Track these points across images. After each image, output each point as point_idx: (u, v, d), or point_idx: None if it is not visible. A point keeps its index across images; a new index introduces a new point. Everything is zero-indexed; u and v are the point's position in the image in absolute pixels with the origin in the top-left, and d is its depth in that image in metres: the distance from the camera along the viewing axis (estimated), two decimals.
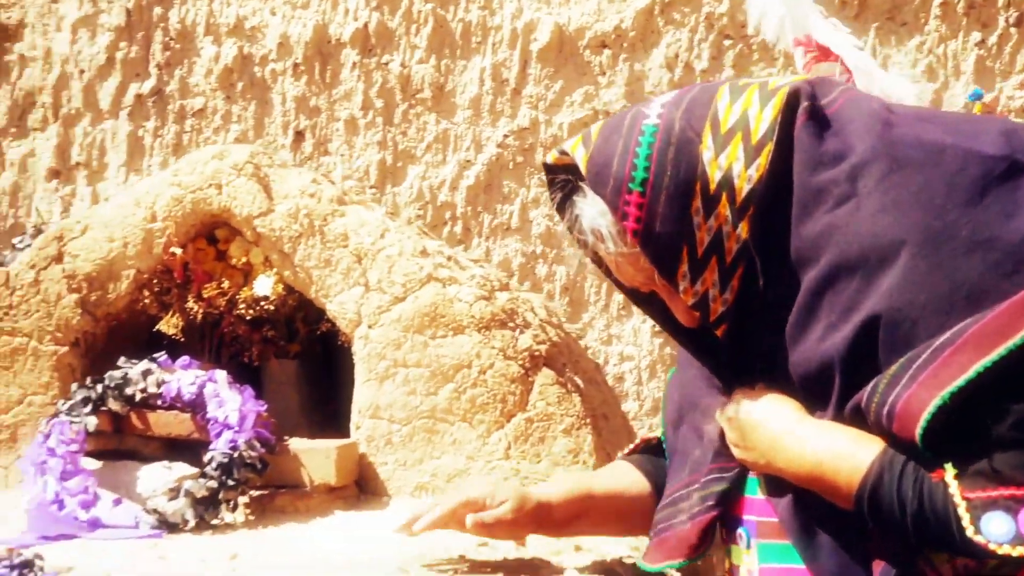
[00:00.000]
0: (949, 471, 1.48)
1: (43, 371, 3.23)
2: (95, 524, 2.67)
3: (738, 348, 1.77)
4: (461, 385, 3.02)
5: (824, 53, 2.85)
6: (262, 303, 3.18)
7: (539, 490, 2.16)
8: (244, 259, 3.23)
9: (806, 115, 1.67)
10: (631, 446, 2.27)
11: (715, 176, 1.67)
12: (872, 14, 3.94)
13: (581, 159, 1.75)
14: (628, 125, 1.73)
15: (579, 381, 3.13)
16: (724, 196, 1.67)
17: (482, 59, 4.22)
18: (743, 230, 1.67)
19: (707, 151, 1.67)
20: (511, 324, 3.07)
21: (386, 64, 4.28)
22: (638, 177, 1.68)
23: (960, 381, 1.44)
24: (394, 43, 4.27)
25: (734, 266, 1.69)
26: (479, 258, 3.92)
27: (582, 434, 2.96)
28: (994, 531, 1.43)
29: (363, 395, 3.10)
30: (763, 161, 1.66)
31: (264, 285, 3.17)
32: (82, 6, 4.48)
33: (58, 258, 3.26)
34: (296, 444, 2.96)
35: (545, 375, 3.01)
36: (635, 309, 3.15)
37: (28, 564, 2.00)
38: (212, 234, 3.30)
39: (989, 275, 1.49)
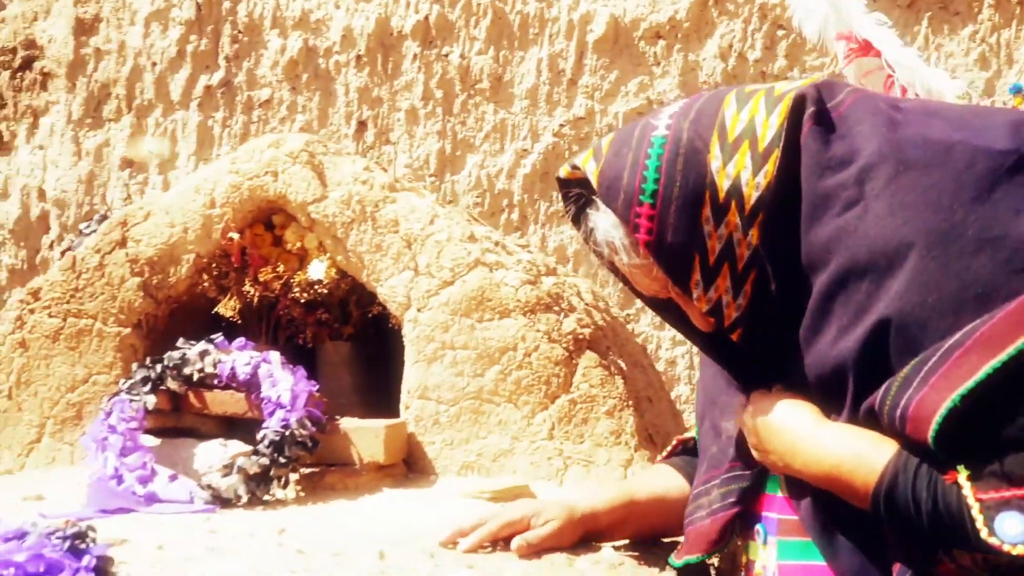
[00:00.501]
0: (962, 472, 1.48)
1: (107, 351, 3.27)
2: (151, 499, 2.69)
3: (754, 351, 1.79)
4: (507, 367, 3.03)
5: (865, 48, 2.88)
6: (316, 287, 3.21)
7: (584, 501, 2.19)
8: (299, 244, 3.26)
9: (812, 120, 1.67)
10: (668, 448, 2.29)
11: (724, 185, 1.67)
12: (925, 3, 3.94)
13: (592, 173, 1.76)
14: (637, 137, 1.74)
15: (622, 364, 3.12)
16: (733, 204, 1.67)
17: (539, 50, 4.28)
18: (753, 237, 1.68)
19: (715, 160, 1.68)
20: (556, 308, 3.07)
21: (446, 55, 4.35)
22: (648, 189, 1.69)
23: (970, 383, 1.44)
24: (454, 35, 4.34)
25: (746, 272, 1.70)
26: (529, 244, 3.91)
27: (624, 416, 2.96)
28: (1008, 532, 1.43)
29: (412, 376, 3.11)
30: (771, 168, 1.66)
31: (318, 269, 3.20)
32: (154, 1, 4.60)
33: (122, 243, 3.29)
34: (346, 423, 2.96)
35: (589, 358, 3.01)
36: None
37: (80, 535, 2.01)
38: (269, 220, 3.33)
39: (998, 273, 1.48)
